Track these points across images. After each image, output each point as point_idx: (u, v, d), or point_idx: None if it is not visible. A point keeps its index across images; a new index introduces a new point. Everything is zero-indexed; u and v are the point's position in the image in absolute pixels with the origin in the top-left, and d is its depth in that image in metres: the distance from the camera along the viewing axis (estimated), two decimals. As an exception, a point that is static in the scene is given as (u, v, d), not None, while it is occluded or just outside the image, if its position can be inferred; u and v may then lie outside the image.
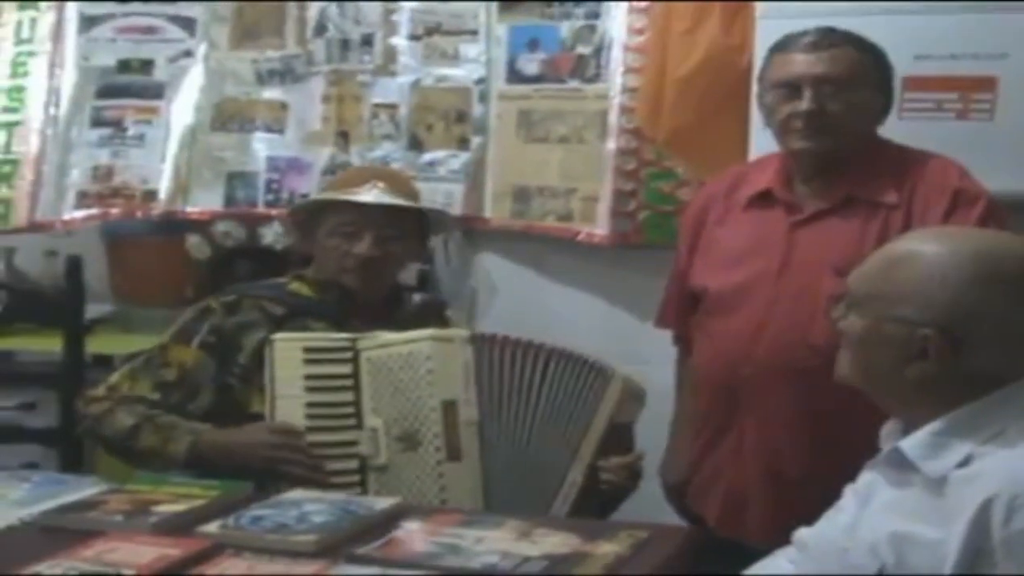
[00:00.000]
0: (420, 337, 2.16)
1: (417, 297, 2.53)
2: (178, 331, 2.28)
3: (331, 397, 2.12)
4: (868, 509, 1.54)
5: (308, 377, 2.13)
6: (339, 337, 2.18)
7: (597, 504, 2.16)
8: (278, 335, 2.17)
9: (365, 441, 2.09)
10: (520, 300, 3.22)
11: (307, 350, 2.14)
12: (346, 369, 2.14)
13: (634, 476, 2.18)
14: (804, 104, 2.13)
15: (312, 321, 2.28)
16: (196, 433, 2.14)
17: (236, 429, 2.15)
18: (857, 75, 2.15)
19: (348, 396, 2.12)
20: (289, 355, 2.14)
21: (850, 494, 1.62)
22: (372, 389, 2.13)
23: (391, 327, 2.23)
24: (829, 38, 2.16)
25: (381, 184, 2.30)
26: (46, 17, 3.48)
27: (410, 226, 2.35)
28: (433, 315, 2.43)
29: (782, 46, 2.21)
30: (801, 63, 2.15)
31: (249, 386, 2.21)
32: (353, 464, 2.08)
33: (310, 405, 2.11)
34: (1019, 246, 1.52)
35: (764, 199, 2.23)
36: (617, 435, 2.17)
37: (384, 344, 2.16)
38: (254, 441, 2.10)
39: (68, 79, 3.47)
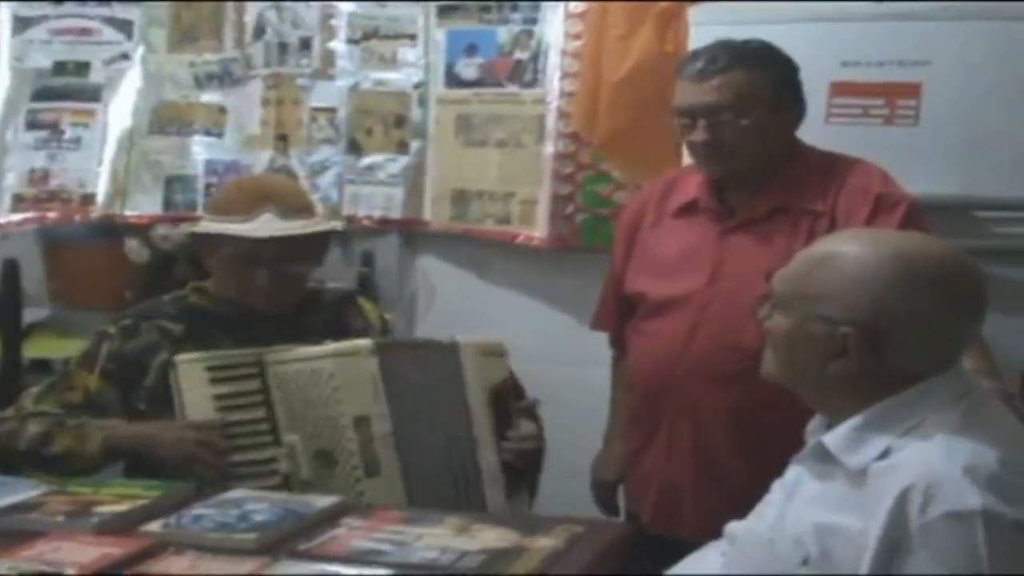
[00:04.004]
0: (323, 353, 2.13)
1: (331, 286, 2.47)
2: (82, 357, 2.24)
3: (244, 415, 2.09)
4: (793, 502, 1.57)
5: (217, 397, 2.09)
6: (244, 353, 2.13)
7: (527, 471, 2.19)
8: (180, 357, 2.12)
9: (284, 458, 2.07)
10: (459, 303, 3.25)
11: (211, 369, 2.10)
12: (255, 385, 2.11)
13: (537, 435, 2.20)
14: (698, 135, 2.15)
15: (215, 336, 2.21)
16: (107, 428, 2.12)
17: (149, 422, 2.12)
18: (747, 98, 2.13)
19: (261, 412, 2.10)
20: (194, 376, 2.10)
21: (777, 488, 1.66)
22: (284, 405, 2.10)
23: (301, 331, 2.21)
24: (716, 63, 2.14)
25: (271, 207, 2.19)
26: (-21, 19, 3.46)
27: (309, 241, 2.24)
28: (346, 307, 2.38)
29: (679, 71, 2.22)
30: (692, 92, 2.16)
31: (159, 409, 2.14)
32: (276, 481, 2.06)
33: (224, 425, 2.08)
34: (936, 247, 1.57)
35: (692, 208, 2.27)
36: (501, 399, 2.17)
37: (290, 359, 2.12)
38: (169, 435, 2.07)
39: (2, 81, 3.45)
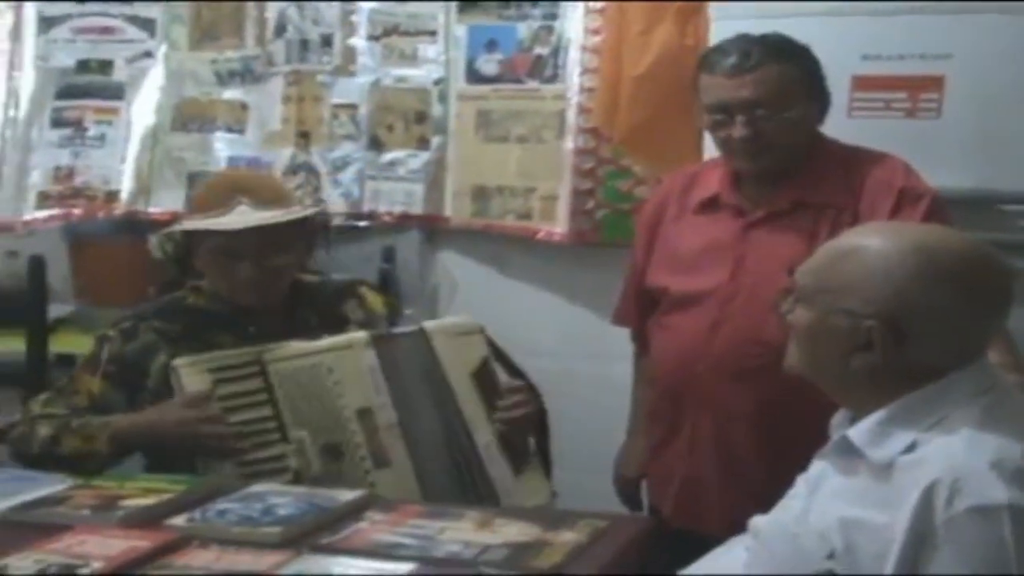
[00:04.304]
0: (320, 348, 2.13)
1: (335, 278, 2.46)
2: (85, 361, 2.26)
3: (250, 414, 2.09)
4: (818, 496, 1.57)
5: (221, 398, 2.10)
6: (243, 352, 2.14)
7: (530, 441, 2.19)
8: (179, 360, 2.12)
9: (293, 454, 2.07)
10: (480, 298, 3.25)
11: (213, 371, 2.11)
12: (257, 384, 2.11)
13: (527, 400, 2.19)
14: (738, 131, 2.14)
15: (212, 335, 2.22)
16: (111, 424, 2.12)
17: (149, 409, 2.13)
18: (786, 92, 2.13)
19: (267, 411, 2.10)
20: (196, 379, 2.10)
21: (801, 482, 1.65)
22: (288, 401, 2.10)
23: (296, 326, 2.22)
24: (751, 59, 2.13)
25: (245, 200, 2.17)
26: (4, 18, 3.49)
27: (290, 230, 2.20)
28: (346, 299, 2.36)
29: (707, 67, 2.20)
30: (728, 88, 2.14)
31: None
32: (288, 478, 2.05)
33: (231, 425, 2.09)
34: (960, 240, 1.56)
35: (713, 203, 2.27)
36: (485, 376, 2.17)
37: (288, 356, 2.12)
38: (169, 417, 2.08)
39: (27, 80, 3.48)
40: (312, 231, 2.32)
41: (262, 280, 2.20)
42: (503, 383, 2.21)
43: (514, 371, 2.27)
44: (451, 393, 2.15)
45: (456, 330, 2.21)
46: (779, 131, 2.14)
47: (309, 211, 2.31)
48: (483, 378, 2.17)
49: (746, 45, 2.16)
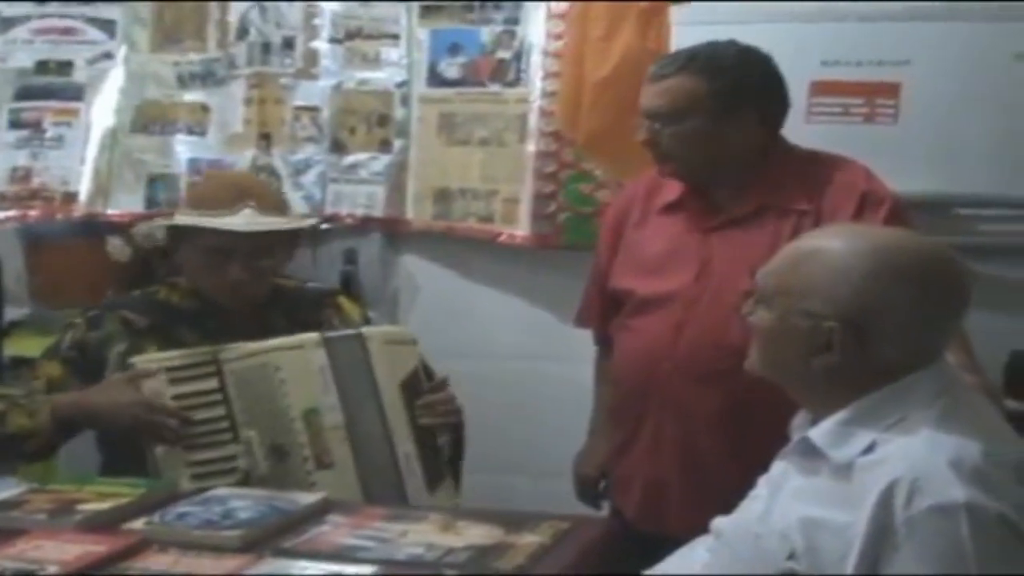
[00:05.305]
0: (271, 347, 2.15)
1: (312, 285, 2.48)
2: (48, 347, 2.28)
3: (204, 414, 2.10)
4: (779, 496, 1.58)
5: (176, 397, 2.10)
6: (200, 352, 2.14)
7: (444, 452, 2.20)
8: (137, 358, 2.14)
9: (243, 454, 2.08)
10: (442, 301, 3.25)
11: (170, 370, 2.11)
12: (212, 384, 2.12)
13: (448, 408, 2.21)
14: (640, 135, 2.20)
15: (177, 331, 2.23)
16: (53, 399, 2.13)
17: (94, 388, 2.14)
18: (682, 107, 2.14)
19: (220, 411, 2.11)
20: (153, 377, 2.11)
21: (763, 483, 1.67)
22: (241, 401, 2.11)
23: (264, 329, 2.22)
24: (666, 69, 2.17)
25: (252, 203, 2.21)
26: (-38, 19, 3.44)
27: (283, 237, 2.28)
28: (324, 307, 2.38)
29: None
30: (644, 94, 2.20)
31: None
32: (238, 478, 2.06)
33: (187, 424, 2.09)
34: (918, 242, 1.58)
35: (678, 207, 2.28)
36: (414, 386, 2.18)
37: (243, 355, 2.14)
38: (116, 400, 2.08)
39: (-16, 81, 3.44)
40: (299, 238, 2.36)
41: (249, 281, 2.22)
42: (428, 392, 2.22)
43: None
44: (379, 399, 2.15)
45: (392, 338, 2.22)
46: (670, 143, 2.17)
47: (310, 221, 2.45)
48: (411, 389, 2.18)
49: (679, 55, 2.21)
